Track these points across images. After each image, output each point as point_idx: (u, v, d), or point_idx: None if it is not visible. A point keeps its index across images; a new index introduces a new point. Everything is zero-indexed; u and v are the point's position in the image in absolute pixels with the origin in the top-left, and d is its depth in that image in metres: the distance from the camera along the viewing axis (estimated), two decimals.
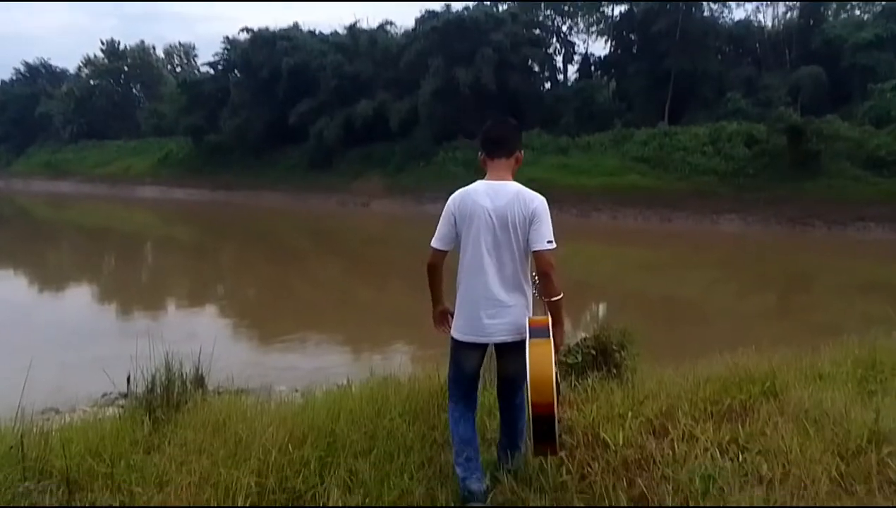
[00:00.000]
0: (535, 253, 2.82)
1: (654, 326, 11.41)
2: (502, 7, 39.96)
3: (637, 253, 23.31)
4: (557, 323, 2.80)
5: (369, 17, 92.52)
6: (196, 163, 45.29)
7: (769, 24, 39.88)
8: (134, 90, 62.86)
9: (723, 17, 39.11)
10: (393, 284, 17.87)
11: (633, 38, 38.93)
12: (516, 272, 2.87)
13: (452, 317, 3.01)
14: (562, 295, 2.81)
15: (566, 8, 41.82)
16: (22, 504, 2.63)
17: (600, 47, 65.71)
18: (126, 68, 61.15)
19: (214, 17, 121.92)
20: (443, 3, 43.03)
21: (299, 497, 2.79)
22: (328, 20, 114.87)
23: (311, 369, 8.73)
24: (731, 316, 13.85)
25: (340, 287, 17.93)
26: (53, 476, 2.82)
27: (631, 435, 3.25)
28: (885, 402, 3.51)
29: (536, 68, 41.51)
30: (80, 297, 16.39)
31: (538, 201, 2.84)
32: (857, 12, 37.36)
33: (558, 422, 2.70)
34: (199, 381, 4.18)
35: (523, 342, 2.69)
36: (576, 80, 42.33)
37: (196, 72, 58.61)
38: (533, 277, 2.92)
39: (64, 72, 66.74)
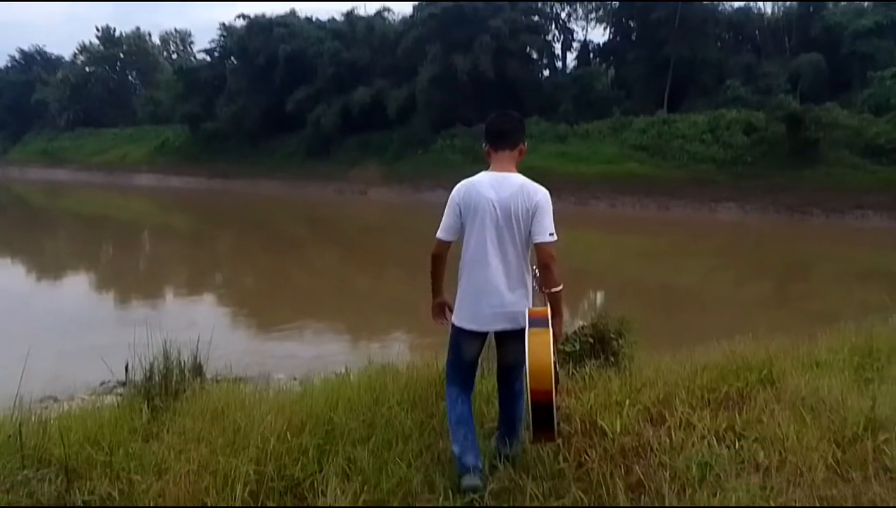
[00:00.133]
0: (537, 245, 2.88)
1: (652, 314, 11.43)
2: None
3: (635, 241, 23.32)
4: (557, 314, 2.85)
5: (366, 5, 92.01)
6: (193, 151, 45.08)
7: (769, 11, 39.71)
8: (130, 77, 62.42)
9: (722, 5, 38.93)
10: (391, 272, 17.88)
11: (632, 25, 38.69)
12: (518, 263, 2.93)
13: (450, 310, 3.07)
14: (562, 286, 2.86)
15: None
16: (21, 492, 2.63)
17: (599, 34, 65.56)
18: (122, 55, 60.74)
19: (210, 4, 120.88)
20: None
21: (298, 485, 2.80)
22: (325, 7, 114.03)
23: (309, 357, 8.74)
24: (729, 304, 13.88)
25: (338, 275, 17.93)
26: (52, 465, 2.82)
27: (628, 423, 3.27)
28: (882, 390, 3.52)
29: (535, 55, 41.25)
30: (77, 286, 16.38)
31: (541, 194, 2.90)
32: None
33: (557, 410, 2.73)
34: (198, 369, 4.18)
35: (523, 331, 2.74)
36: (574, 67, 42.08)
37: (192, 59, 58.35)
38: (533, 269, 2.97)
39: (59, 59, 66.22)
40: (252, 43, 41.98)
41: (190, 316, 11.57)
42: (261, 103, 41.01)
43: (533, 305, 2.93)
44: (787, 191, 25.99)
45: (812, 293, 15.40)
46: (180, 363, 3.96)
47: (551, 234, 2.85)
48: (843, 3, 35.85)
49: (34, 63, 65.88)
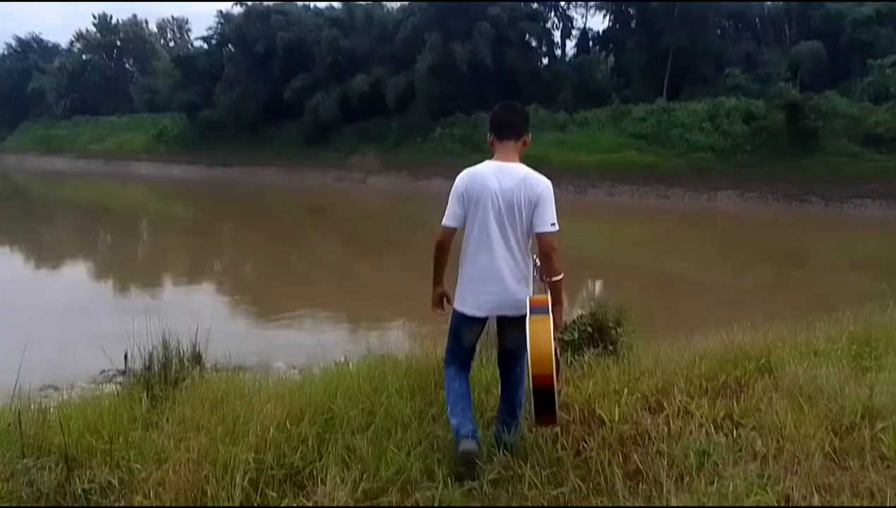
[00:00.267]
0: (539, 234, 2.93)
1: (651, 303, 11.45)
2: None
3: (634, 229, 23.31)
4: (557, 302, 2.90)
5: None
6: (191, 140, 44.94)
7: None
8: (127, 65, 62.09)
9: None
10: (390, 261, 17.88)
11: (631, 13, 38.47)
12: (520, 252, 2.99)
13: (449, 302, 3.12)
14: (562, 275, 2.91)
15: None
16: (21, 481, 2.64)
17: (599, 22, 65.17)
18: (119, 43, 60.41)
19: None
20: None
21: (297, 473, 2.81)
22: None
23: (308, 346, 8.71)
24: (727, 292, 13.91)
25: (338, 263, 17.94)
26: (52, 453, 2.83)
27: (627, 411, 3.28)
28: (879, 378, 3.53)
29: (534, 43, 41.07)
30: (77, 275, 16.39)
31: (544, 185, 2.95)
32: None
33: (558, 394, 2.77)
34: (197, 358, 4.19)
35: (524, 318, 2.78)
36: (574, 55, 41.92)
37: (189, 46, 57.97)
38: (534, 259, 3.02)
39: (56, 46, 65.89)
40: (250, 31, 41.75)
41: (189, 304, 11.57)
42: (259, 91, 40.82)
43: (533, 293, 2.97)
44: (786, 179, 25.98)
45: (810, 281, 15.43)
46: (180, 352, 3.98)
47: (553, 225, 2.90)
48: None
49: (30, 51, 65.55)
